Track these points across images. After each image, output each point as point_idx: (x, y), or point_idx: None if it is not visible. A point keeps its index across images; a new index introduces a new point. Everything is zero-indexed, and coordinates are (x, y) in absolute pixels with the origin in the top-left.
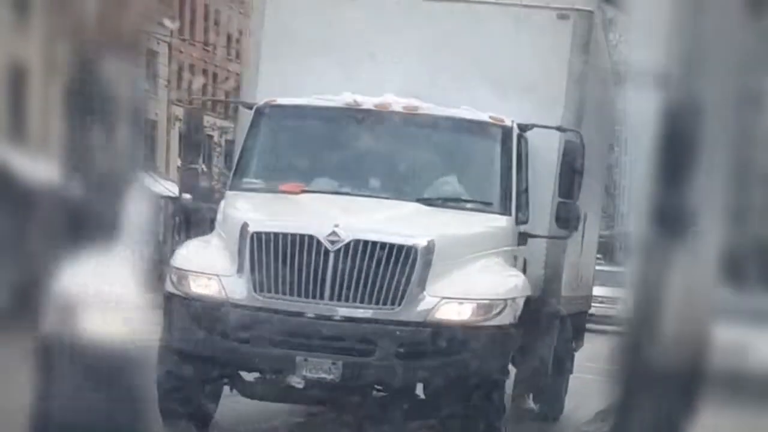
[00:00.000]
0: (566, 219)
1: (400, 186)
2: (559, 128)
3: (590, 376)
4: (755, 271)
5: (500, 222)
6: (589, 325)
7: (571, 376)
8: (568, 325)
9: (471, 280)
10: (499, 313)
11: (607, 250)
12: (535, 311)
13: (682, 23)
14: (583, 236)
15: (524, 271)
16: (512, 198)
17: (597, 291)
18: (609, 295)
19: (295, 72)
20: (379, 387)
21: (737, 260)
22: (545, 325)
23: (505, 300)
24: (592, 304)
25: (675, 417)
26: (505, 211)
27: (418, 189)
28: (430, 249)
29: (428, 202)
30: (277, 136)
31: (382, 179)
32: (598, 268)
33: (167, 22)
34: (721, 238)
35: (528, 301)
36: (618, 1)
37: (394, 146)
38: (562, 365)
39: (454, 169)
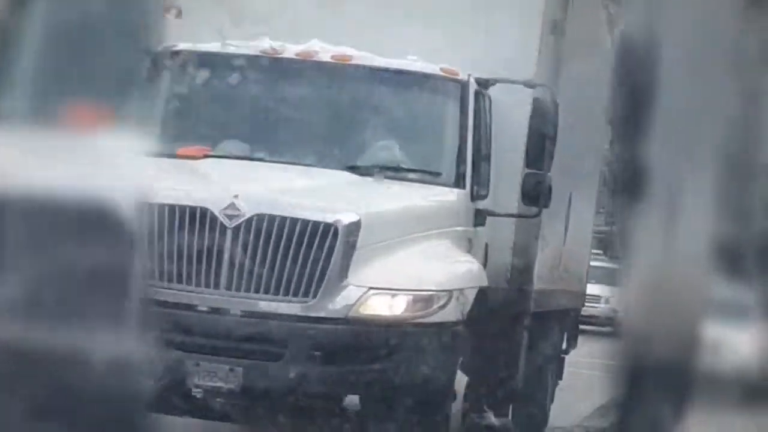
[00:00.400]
0: (534, 194)
1: (327, 151)
2: (525, 83)
3: (590, 372)
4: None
5: (450, 196)
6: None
7: (574, 376)
8: (552, 324)
9: (407, 266)
10: (442, 307)
11: (608, 245)
12: (498, 306)
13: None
14: (567, 220)
15: (485, 257)
16: (467, 168)
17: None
18: (607, 294)
19: (206, 19)
20: (291, 399)
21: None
22: (512, 323)
23: (450, 291)
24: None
25: (669, 415)
26: (457, 183)
27: (349, 155)
28: (355, 227)
29: (360, 170)
30: (177, 90)
31: (305, 143)
32: (595, 264)
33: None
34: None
35: (485, 293)
36: None
37: (320, 103)
38: (543, 371)
39: (394, 132)
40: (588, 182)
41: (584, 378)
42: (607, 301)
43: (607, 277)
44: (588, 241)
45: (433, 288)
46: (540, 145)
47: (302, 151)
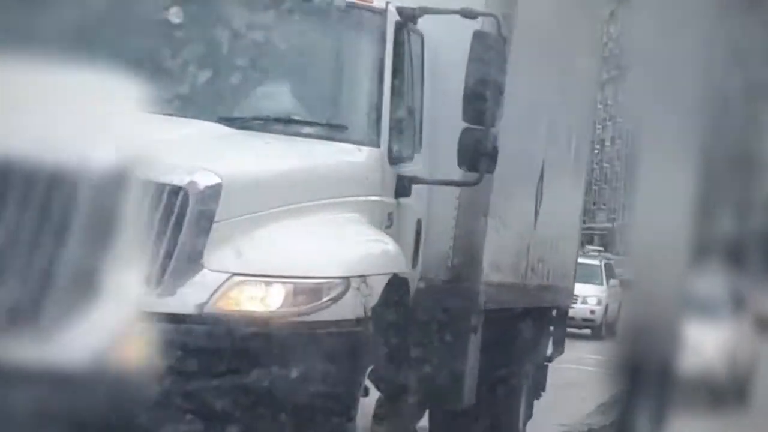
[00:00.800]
0: (473, 155)
1: (194, 97)
2: (462, 12)
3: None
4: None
5: (357, 156)
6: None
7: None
8: (523, 325)
9: (288, 245)
10: (336, 300)
11: (609, 242)
12: (432, 301)
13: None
14: (539, 198)
15: (417, 238)
16: (383, 121)
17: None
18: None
19: None
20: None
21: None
22: (452, 322)
23: (347, 279)
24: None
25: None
26: (369, 140)
27: (223, 103)
28: (213, 192)
29: (237, 122)
30: None
31: (165, 86)
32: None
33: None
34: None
35: (405, 283)
36: None
37: (187, 36)
38: (512, 382)
39: (285, 74)
40: (569, 154)
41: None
42: (584, 301)
43: (586, 275)
44: (575, 229)
45: (323, 274)
46: (481, 92)
47: (161, 96)
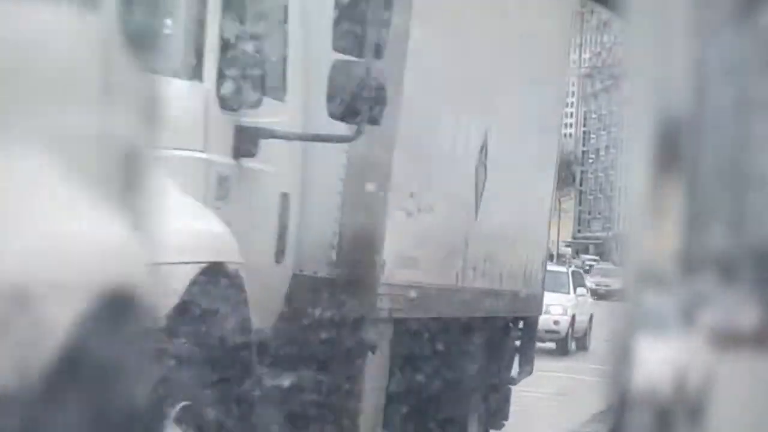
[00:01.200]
0: (348, 99)
1: None
2: None
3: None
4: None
5: (163, 90)
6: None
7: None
8: (468, 341)
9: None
10: None
11: (605, 251)
12: (308, 307)
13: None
14: (481, 177)
15: (282, 215)
16: (207, 47)
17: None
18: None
19: None
20: None
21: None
22: (340, 337)
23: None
24: None
25: None
26: (183, 70)
27: None
28: None
29: None
30: None
31: None
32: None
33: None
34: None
35: (238, 277)
36: (611, 3)
37: None
38: (453, 414)
39: None
40: (527, 137)
41: None
42: (547, 311)
43: (551, 283)
44: (544, 226)
45: None
46: (358, 9)
47: None
